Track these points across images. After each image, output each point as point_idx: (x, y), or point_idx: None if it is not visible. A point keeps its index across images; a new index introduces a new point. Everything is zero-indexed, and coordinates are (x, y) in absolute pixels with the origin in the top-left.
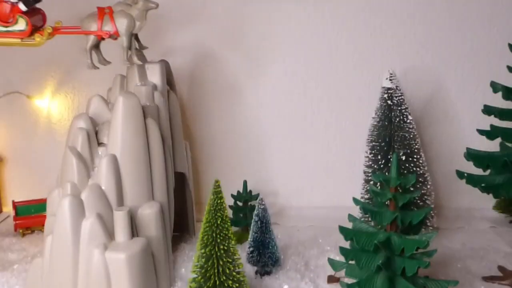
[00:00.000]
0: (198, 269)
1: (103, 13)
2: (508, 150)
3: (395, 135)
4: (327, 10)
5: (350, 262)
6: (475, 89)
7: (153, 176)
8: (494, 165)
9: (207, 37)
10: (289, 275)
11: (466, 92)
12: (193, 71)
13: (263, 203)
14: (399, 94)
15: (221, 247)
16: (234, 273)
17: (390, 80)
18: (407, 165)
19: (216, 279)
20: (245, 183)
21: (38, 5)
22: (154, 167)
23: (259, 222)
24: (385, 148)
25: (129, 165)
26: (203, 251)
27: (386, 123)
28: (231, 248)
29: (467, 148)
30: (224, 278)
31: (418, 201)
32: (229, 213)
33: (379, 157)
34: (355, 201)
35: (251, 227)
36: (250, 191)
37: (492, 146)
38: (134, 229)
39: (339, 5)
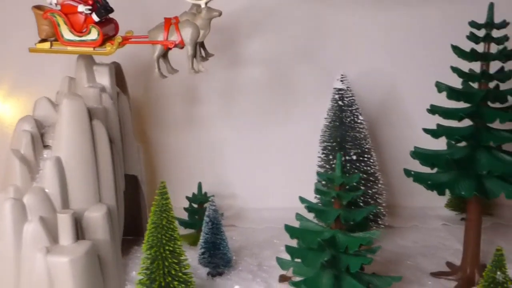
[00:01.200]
0: (144, 271)
1: (169, 23)
2: (452, 149)
3: (346, 136)
4: (282, 13)
5: (297, 260)
6: (427, 90)
7: (100, 178)
8: (439, 163)
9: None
10: (241, 275)
11: (419, 94)
12: (148, 73)
13: (213, 204)
14: (350, 95)
15: (167, 248)
16: (181, 274)
17: (341, 81)
18: (358, 164)
19: (161, 280)
20: (199, 185)
21: (114, 16)
22: (102, 169)
23: (210, 223)
24: (337, 148)
25: (74, 167)
26: (148, 252)
27: (338, 124)
28: (177, 249)
29: (415, 147)
30: (170, 279)
31: (370, 200)
32: (185, 215)
33: (330, 157)
34: (301, 200)
35: (202, 228)
36: (206, 193)
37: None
38: (80, 233)
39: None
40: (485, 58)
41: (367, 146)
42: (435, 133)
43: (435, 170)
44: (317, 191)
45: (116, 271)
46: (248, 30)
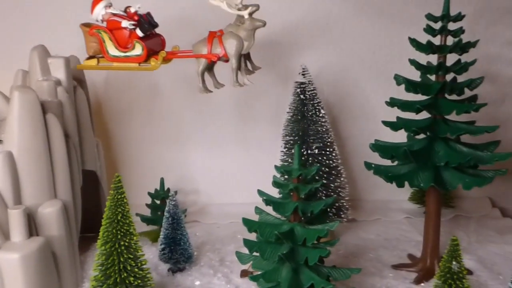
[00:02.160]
0: (98, 267)
1: (213, 36)
2: (411, 141)
3: (308, 129)
4: None
5: (255, 254)
6: (389, 84)
7: (55, 173)
8: (398, 155)
9: None
10: (202, 271)
11: (381, 88)
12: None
13: (174, 199)
14: (312, 89)
15: (122, 243)
16: (137, 270)
17: (303, 75)
18: (320, 158)
19: (117, 276)
20: (162, 180)
21: (163, 31)
22: (56, 164)
23: (170, 219)
24: (299, 142)
25: (27, 162)
26: (103, 248)
27: (300, 118)
28: (133, 244)
29: (375, 140)
30: (125, 275)
31: (332, 194)
32: (147, 211)
33: (293, 151)
34: (260, 193)
35: (163, 224)
36: (168, 189)
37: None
38: (34, 229)
39: (257, 1)
40: (441, 50)
41: (329, 139)
42: (394, 125)
43: (396, 163)
44: (275, 183)
45: (73, 268)
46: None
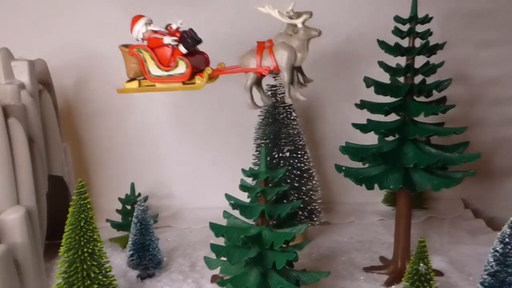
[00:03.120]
0: (61, 275)
1: (262, 47)
2: (381, 143)
3: (280, 132)
4: (205, 8)
5: (222, 258)
6: (361, 87)
7: (18, 179)
8: (367, 158)
9: (92, 36)
10: (172, 277)
11: (353, 90)
12: (80, 71)
13: (142, 204)
14: (283, 91)
15: (85, 250)
16: (101, 277)
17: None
18: (291, 161)
19: (80, 284)
20: (132, 185)
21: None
22: (19, 169)
23: (138, 224)
24: (270, 145)
25: None
26: (66, 255)
27: (271, 121)
28: (97, 251)
29: (346, 142)
30: (89, 282)
31: (304, 197)
32: (118, 217)
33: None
34: (227, 196)
35: (131, 229)
36: (139, 194)
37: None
38: None
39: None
40: (409, 52)
41: (300, 142)
42: (364, 127)
43: (367, 165)
44: (242, 187)
45: (37, 276)
46: None
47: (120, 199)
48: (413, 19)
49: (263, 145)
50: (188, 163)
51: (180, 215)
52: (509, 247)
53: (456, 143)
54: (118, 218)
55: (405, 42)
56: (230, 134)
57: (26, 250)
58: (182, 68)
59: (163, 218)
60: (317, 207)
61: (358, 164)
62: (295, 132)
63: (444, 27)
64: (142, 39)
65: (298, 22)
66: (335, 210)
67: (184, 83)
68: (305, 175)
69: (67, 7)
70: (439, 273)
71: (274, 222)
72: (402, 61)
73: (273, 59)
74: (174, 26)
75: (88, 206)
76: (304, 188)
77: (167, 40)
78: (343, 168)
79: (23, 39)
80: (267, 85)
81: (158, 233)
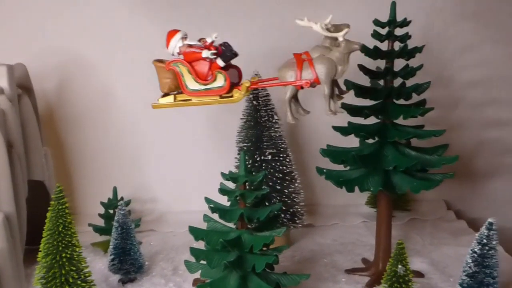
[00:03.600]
0: (39, 280)
1: (301, 60)
2: (362, 146)
3: (262, 135)
4: (185, 8)
5: (203, 262)
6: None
7: None
8: (348, 160)
9: (74, 40)
10: (154, 281)
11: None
12: (62, 75)
13: (123, 208)
14: (265, 94)
15: (64, 255)
16: (79, 282)
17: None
18: (273, 164)
19: None
20: (115, 189)
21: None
22: None
23: (119, 228)
24: (252, 148)
25: None
26: (44, 261)
27: (253, 124)
28: (75, 256)
29: (327, 145)
30: (67, 287)
31: (286, 200)
32: (101, 222)
33: (246, 157)
34: (207, 200)
35: (112, 234)
36: (122, 198)
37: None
38: None
39: None
40: (388, 55)
41: (283, 145)
42: (344, 130)
43: (348, 168)
44: (221, 191)
45: (17, 281)
46: None
47: (102, 204)
48: (392, 22)
49: (245, 148)
50: (172, 166)
51: (163, 219)
52: (487, 248)
53: (437, 145)
54: (101, 222)
55: (384, 46)
56: (213, 138)
57: (5, 255)
58: (220, 81)
59: (146, 222)
60: (299, 209)
61: (339, 167)
62: (277, 135)
63: (424, 30)
64: (178, 54)
65: (340, 35)
66: (319, 213)
67: (221, 96)
68: (287, 177)
69: (48, 11)
70: (420, 275)
71: (255, 225)
72: (382, 64)
73: (313, 72)
74: (208, 40)
75: (67, 211)
76: (286, 190)
77: (205, 54)
78: (324, 170)
79: (3, 43)
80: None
81: (141, 237)
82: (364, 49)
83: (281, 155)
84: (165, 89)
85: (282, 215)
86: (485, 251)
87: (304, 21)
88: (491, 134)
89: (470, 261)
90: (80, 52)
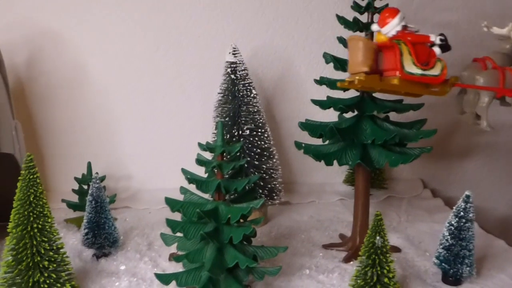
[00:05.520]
0: (9, 252)
1: (499, 67)
2: (340, 119)
3: (240, 110)
4: None
5: (179, 235)
6: (324, 66)
7: None
8: (326, 134)
9: (44, 12)
10: (128, 255)
11: (315, 69)
12: (33, 48)
13: (97, 181)
14: (243, 68)
15: (35, 225)
16: (51, 253)
17: (234, 54)
18: (251, 139)
19: (29, 260)
20: (89, 164)
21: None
22: None
23: (93, 202)
24: (230, 123)
25: None
26: (14, 231)
27: (230, 98)
28: (47, 226)
29: (306, 119)
30: (38, 259)
31: (264, 175)
32: (75, 198)
33: (224, 132)
34: (184, 171)
35: (86, 208)
36: (97, 173)
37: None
38: None
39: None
40: (367, 27)
41: (261, 120)
42: (323, 104)
43: (326, 142)
44: (198, 161)
45: None
46: None
47: (76, 179)
48: None
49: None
50: (146, 143)
51: (138, 196)
52: (464, 221)
53: (414, 120)
54: (74, 199)
55: (364, 18)
56: (189, 113)
57: None
58: (437, 70)
59: (121, 199)
60: (277, 185)
61: (317, 142)
62: (255, 110)
63: (403, 7)
64: (394, 35)
65: None
66: (296, 190)
67: (428, 87)
68: (265, 153)
69: None
70: (396, 249)
71: (231, 197)
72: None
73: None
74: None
75: (38, 181)
76: (264, 166)
77: (433, 37)
78: (303, 145)
79: None
80: (227, 62)
81: (116, 213)
82: (344, 21)
83: (259, 130)
84: (366, 66)
85: (260, 191)
86: (461, 223)
87: (502, 29)
88: None
89: (447, 234)
90: (50, 24)
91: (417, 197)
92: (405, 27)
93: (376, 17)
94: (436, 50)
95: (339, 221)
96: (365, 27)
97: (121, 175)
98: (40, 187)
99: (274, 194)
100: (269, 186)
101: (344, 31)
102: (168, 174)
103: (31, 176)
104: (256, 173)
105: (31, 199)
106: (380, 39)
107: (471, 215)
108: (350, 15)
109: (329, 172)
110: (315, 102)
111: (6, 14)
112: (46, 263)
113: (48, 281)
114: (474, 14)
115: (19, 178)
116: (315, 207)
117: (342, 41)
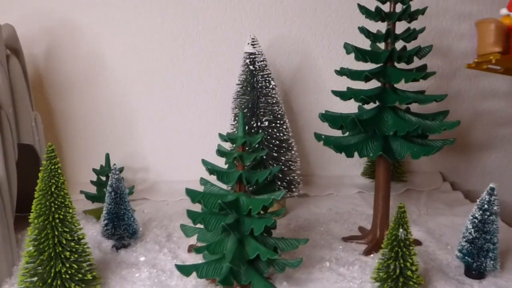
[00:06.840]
0: (31, 242)
1: None
2: (360, 111)
3: (258, 101)
4: None
5: (199, 226)
6: (342, 57)
7: None
8: (347, 125)
9: (63, 4)
10: (148, 247)
11: (333, 60)
12: (51, 40)
13: (116, 173)
14: (262, 59)
15: (56, 216)
16: (73, 244)
17: (252, 45)
18: (270, 130)
19: (51, 251)
20: (107, 156)
21: None
22: None
23: (113, 193)
24: (248, 114)
25: None
26: (36, 222)
27: (249, 89)
28: (68, 217)
29: (325, 110)
30: (60, 249)
31: (283, 167)
32: (93, 190)
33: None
34: (204, 162)
35: (105, 199)
36: (114, 165)
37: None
38: None
39: None
40: (390, 17)
41: (279, 112)
42: (344, 95)
43: (346, 134)
44: (219, 152)
45: (7, 246)
46: None
47: (94, 170)
48: None
49: None
50: (165, 135)
51: (156, 188)
52: (488, 213)
53: (436, 111)
54: (93, 190)
55: (386, 7)
56: (207, 105)
57: None
58: None
59: (139, 191)
60: (296, 177)
61: (337, 134)
62: (274, 101)
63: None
64: None
65: None
66: (314, 183)
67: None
68: (284, 145)
69: None
70: (417, 243)
71: (252, 188)
72: (383, 27)
73: None
74: None
75: (59, 171)
76: (283, 158)
77: None
78: (323, 136)
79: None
80: (245, 52)
81: (134, 205)
82: (365, 11)
83: (278, 122)
84: (499, 47)
85: (279, 183)
86: (486, 216)
87: None
88: (488, 105)
89: (471, 227)
90: (69, 16)
91: (436, 190)
92: None
93: (398, 6)
94: None
95: (358, 214)
96: (387, 17)
97: (138, 167)
98: (62, 178)
99: (292, 186)
100: (288, 178)
101: (362, 21)
102: (185, 166)
103: (53, 167)
104: (275, 164)
105: (53, 190)
106: (509, 22)
107: (495, 208)
108: (370, 4)
109: (347, 165)
110: (336, 93)
111: (25, 6)
112: (67, 253)
113: (69, 272)
114: (497, 4)
115: (41, 168)
116: (334, 200)
117: (364, 31)
